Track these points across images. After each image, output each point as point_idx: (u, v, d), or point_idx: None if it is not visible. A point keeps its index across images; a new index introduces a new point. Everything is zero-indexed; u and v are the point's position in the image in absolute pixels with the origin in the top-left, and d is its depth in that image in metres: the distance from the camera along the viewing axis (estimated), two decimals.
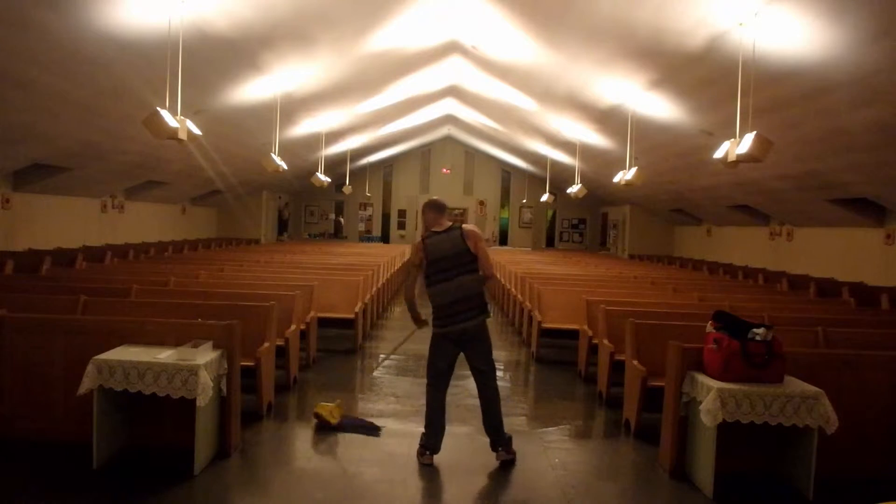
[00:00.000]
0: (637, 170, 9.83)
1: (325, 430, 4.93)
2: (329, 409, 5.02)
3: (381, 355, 7.81)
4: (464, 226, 4.50)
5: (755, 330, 4.10)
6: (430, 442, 4.41)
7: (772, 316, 6.14)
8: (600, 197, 20.86)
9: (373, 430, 4.96)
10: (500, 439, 4.45)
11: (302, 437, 4.95)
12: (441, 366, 4.48)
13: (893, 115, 6.44)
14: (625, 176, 10.02)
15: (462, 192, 25.18)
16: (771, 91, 6.74)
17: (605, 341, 6.15)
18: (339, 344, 8.15)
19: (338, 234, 25.34)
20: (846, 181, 9.14)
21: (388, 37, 8.79)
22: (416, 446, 4.46)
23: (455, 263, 4.37)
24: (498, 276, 12.95)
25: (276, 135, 10.52)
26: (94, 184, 11.86)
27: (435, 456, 4.40)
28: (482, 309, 4.43)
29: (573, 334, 7.55)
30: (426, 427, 4.45)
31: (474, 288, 4.40)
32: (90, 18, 5.73)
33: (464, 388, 6.06)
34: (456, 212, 25.26)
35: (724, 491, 3.97)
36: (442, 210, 4.57)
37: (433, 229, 4.49)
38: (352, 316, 7.95)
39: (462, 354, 4.50)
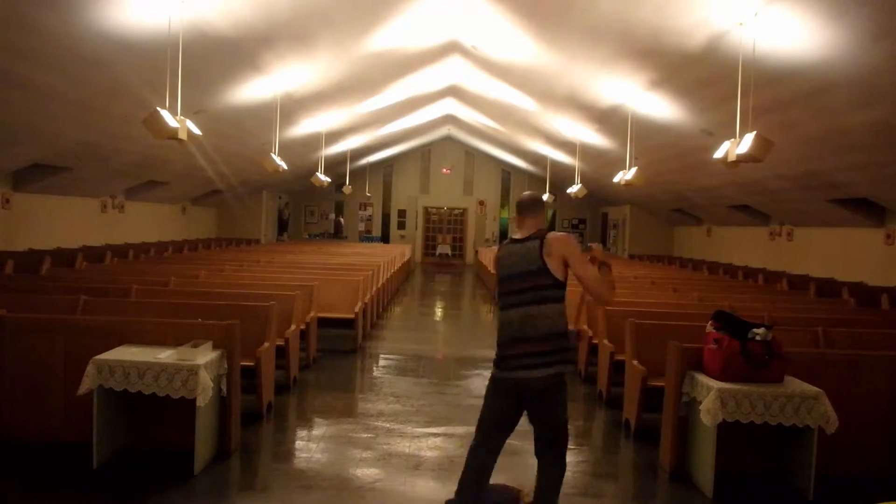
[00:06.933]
0: (637, 170, 9.82)
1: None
2: None
3: None
4: (549, 234, 3.20)
5: (755, 330, 4.10)
6: None
7: (772, 316, 6.14)
8: (600, 197, 20.85)
9: None
10: None
11: (302, 437, 4.95)
12: (489, 421, 3.30)
13: (893, 115, 6.43)
14: (625, 176, 10.00)
15: (462, 192, 25.17)
16: (771, 91, 6.74)
17: (605, 341, 6.15)
18: (339, 344, 8.15)
19: (338, 234, 25.32)
20: (846, 181, 9.13)
21: (388, 37, 8.79)
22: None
23: (525, 287, 3.15)
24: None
25: (276, 135, 10.51)
26: (94, 184, 11.85)
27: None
28: (559, 356, 3.14)
29: None
30: (456, 492, 3.34)
31: (549, 325, 3.12)
32: (90, 18, 5.72)
33: (464, 388, 6.05)
34: (455, 211, 25.26)
35: (724, 491, 3.97)
36: (528, 209, 3.38)
37: (513, 235, 3.41)
38: (352, 316, 7.96)
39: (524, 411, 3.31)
